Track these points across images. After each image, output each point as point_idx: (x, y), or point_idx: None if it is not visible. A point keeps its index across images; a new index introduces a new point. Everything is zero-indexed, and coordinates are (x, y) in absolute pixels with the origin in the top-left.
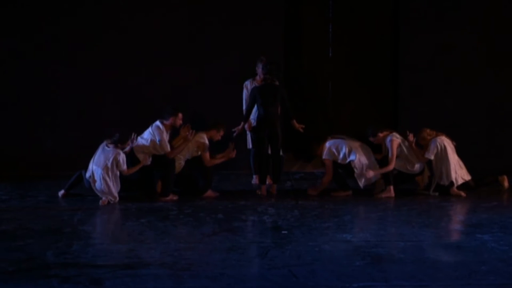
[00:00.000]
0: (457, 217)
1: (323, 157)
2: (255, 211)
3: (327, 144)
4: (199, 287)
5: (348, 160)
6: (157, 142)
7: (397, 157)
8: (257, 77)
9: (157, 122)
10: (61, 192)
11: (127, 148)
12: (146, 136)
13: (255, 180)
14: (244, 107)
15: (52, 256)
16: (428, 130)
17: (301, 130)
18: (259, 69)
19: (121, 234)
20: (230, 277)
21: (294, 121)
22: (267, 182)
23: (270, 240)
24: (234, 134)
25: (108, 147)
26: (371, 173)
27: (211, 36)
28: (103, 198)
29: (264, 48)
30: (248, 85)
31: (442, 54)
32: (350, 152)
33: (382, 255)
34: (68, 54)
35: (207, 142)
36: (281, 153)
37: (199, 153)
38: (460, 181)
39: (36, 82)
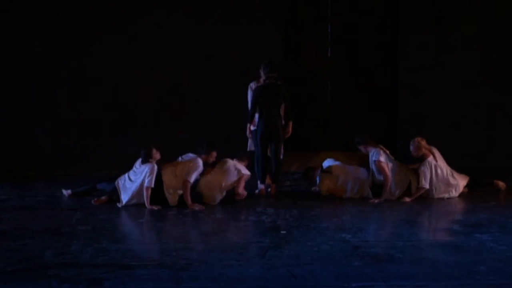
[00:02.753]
0: (456, 217)
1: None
2: (254, 211)
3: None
4: (198, 287)
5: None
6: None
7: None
8: (261, 79)
9: (193, 156)
10: (68, 192)
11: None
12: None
13: (260, 187)
14: (249, 108)
15: (51, 256)
16: (423, 143)
17: (287, 135)
18: (262, 70)
19: (120, 234)
20: (229, 277)
21: (290, 123)
22: (266, 182)
23: (269, 240)
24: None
25: (144, 164)
26: (375, 201)
27: (209, 37)
28: (100, 198)
29: (263, 48)
30: (253, 86)
31: (441, 54)
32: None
33: (381, 255)
34: (66, 55)
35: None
36: (281, 156)
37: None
38: (455, 193)
39: (34, 83)
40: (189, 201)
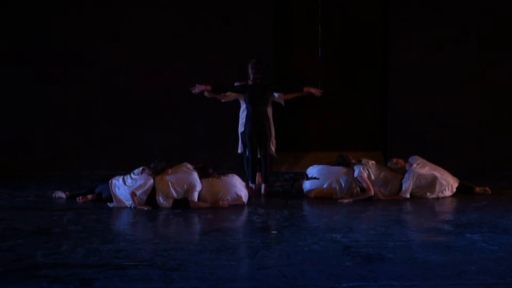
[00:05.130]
0: (447, 217)
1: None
2: (245, 211)
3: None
4: (189, 287)
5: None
6: (195, 189)
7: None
8: (249, 81)
9: (190, 169)
10: (66, 193)
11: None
12: (178, 179)
13: (251, 187)
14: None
15: (41, 256)
16: (394, 160)
17: (319, 93)
18: (250, 69)
19: (111, 234)
20: (220, 277)
21: (306, 89)
22: (256, 182)
23: (260, 240)
24: (194, 91)
25: (142, 173)
26: (345, 201)
27: (199, 37)
28: (85, 196)
29: (253, 48)
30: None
31: (431, 54)
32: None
33: (372, 255)
34: (57, 56)
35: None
36: (273, 153)
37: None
38: (448, 192)
39: (26, 83)
40: (200, 204)
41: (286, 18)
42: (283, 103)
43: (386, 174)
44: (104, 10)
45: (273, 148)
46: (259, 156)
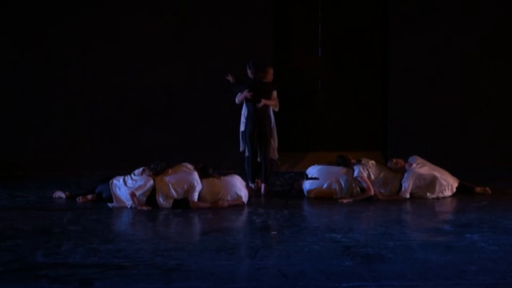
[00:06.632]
0: (447, 217)
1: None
2: (245, 211)
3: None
4: (189, 287)
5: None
6: (195, 189)
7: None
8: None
9: (190, 169)
10: (66, 193)
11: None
12: (178, 179)
13: (250, 186)
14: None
15: (41, 256)
16: (394, 160)
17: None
18: (248, 70)
19: (111, 234)
20: (220, 277)
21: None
22: (256, 182)
23: (260, 240)
24: (229, 78)
25: (142, 174)
26: (345, 201)
27: (199, 37)
28: (85, 196)
29: (253, 49)
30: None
31: (431, 54)
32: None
33: (372, 254)
34: (56, 56)
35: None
36: (276, 157)
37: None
38: (448, 192)
39: (24, 83)
40: (200, 205)
41: (286, 18)
42: (276, 109)
43: (386, 174)
44: (104, 9)
45: (275, 152)
46: (259, 159)
